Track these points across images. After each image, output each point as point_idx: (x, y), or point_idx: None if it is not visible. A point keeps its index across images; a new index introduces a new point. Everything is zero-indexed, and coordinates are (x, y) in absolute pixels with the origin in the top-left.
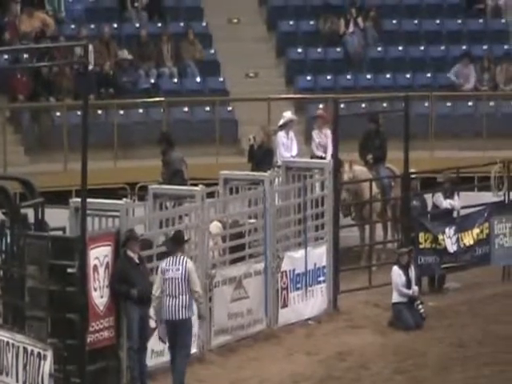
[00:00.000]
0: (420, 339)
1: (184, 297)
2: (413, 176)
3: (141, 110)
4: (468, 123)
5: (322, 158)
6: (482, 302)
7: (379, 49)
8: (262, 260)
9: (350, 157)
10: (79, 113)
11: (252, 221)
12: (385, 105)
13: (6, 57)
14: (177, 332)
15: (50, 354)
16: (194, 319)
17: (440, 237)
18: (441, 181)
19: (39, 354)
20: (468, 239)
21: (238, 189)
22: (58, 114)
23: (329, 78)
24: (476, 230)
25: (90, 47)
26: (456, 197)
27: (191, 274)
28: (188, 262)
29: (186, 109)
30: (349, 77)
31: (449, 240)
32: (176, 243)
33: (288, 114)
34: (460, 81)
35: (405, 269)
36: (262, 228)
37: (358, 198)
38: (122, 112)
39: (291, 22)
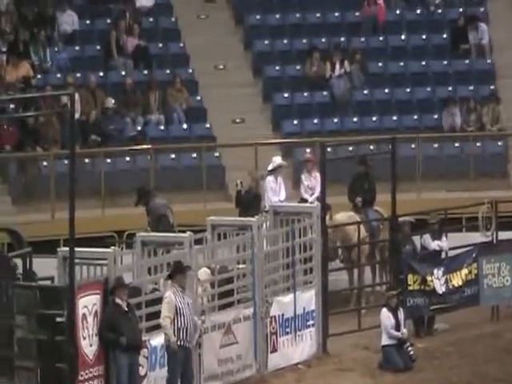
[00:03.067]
0: (409, 381)
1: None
2: (402, 220)
3: (128, 158)
4: (455, 164)
5: (310, 202)
6: (471, 343)
7: (365, 91)
8: (250, 305)
9: (337, 200)
10: (66, 161)
11: (241, 266)
12: (371, 147)
13: None
14: None
15: None
16: None
17: (429, 278)
18: (433, 222)
19: None
20: (457, 280)
21: (226, 234)
22: (45, 163)
23: (315, 121)
24: (464, 271)
25: (76, 96)
26: (444, 238)
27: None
28: (167, 292)
29: (172, 155)
30: (335, 120)
31: (437, 281)
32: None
33: (278, 159)
34: (447, 124)
35: (394, 311)
36: (251, 273)
37: (347, 241)
38: (108, 160)
39: (277, 67)
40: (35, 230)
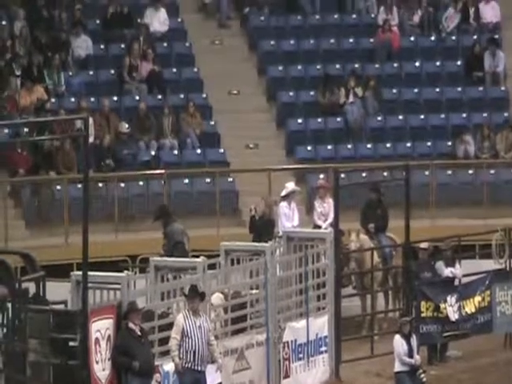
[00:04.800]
0: None
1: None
2: (422, 247)
3: (141, 183)
4: (469, 191)
5: (324, 228)
6: (483, 370)
7: (379, 118)
8: (263, 331)
9: (350, 226)
10: (80, 186)
11: (253, 292)
12: (385, 174)
13: (6, 131)
14: None
15: None
16: None
17: (442, 305)
18: (446, 249)
19: None
20: (470, 307)
21: (240, 260)
22: (59, 187)
23: (329, 147)
24: (478, 298)
25: (90, 120)
26: (457, 265)
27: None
28: (179, 314)
29: (186, 180)
30: (349, 146)
31: (450, 308)
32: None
33: (291, 185)
34: (461, 152)
35: (407, 338)
36: (264, 299)
37: (361, 267)
38: (122, 185)
39: (291, 93)
40: (49, 253)
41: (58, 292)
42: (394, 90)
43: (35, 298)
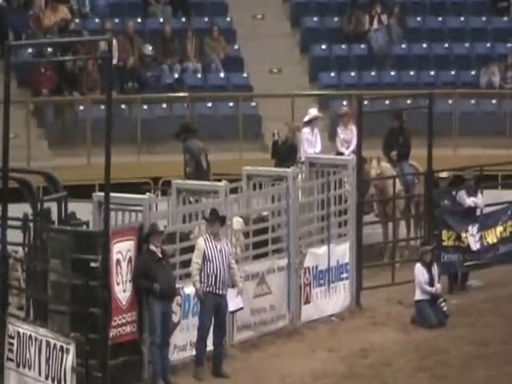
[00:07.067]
0: (442, 337)
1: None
2: (442, 176)
3: (164, 105)
4: (492, 121)
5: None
6: (504, 301)
7: (403, 46)
8: (284, 256)
9: (373, 154)
10: (103, 107)
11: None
12: (408, 102)
13: (30, 50)
14: None
15: (72, 348)
16: None
17: (463, 234)
18: (468, 178)
19: (62, 347)
20: (491, 237)
21: (262, 185)
22: (82, 108)
23: (353, 74)
24: (499, 228)
25: (114, 42)
26: (479, 195)
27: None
28: (199, 238)
29: (209, 104)
30: (373, 73)
31: (472, 238)
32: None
33: (314, 111)
34: (484, 81)
35: (428, 266)
36: (285, 224)
37: (383, 194)
38: (145, 107)
39: (315, 19)
40: (71, 174)
41: (80, 212)
42: (419, 18)
43: (69, 219)
